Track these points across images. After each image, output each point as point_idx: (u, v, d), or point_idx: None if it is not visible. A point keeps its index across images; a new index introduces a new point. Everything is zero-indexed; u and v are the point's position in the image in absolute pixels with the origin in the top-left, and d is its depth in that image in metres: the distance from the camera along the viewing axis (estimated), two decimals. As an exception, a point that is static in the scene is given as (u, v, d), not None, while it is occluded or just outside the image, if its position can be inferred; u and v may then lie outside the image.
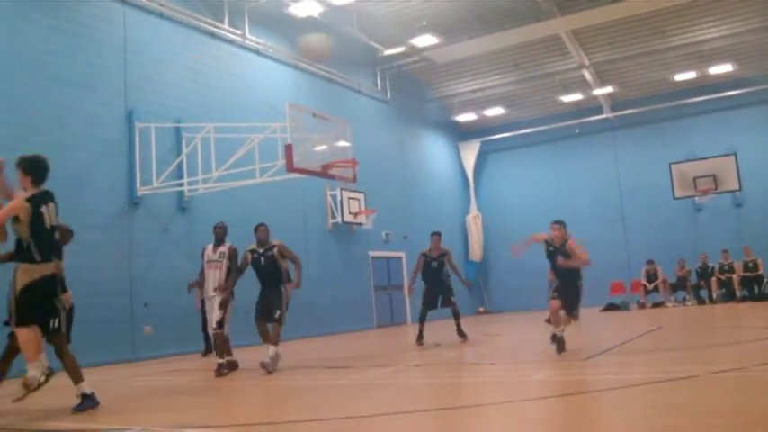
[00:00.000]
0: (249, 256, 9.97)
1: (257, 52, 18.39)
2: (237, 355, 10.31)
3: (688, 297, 21.91)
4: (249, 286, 10.22)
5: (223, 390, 8.59)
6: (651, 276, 21.94)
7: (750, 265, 21.00)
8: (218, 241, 10.25)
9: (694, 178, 22.58)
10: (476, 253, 27.37)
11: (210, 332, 10.41)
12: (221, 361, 9.73)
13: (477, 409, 5.85)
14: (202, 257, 10.38)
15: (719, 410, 5.04)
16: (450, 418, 5.50)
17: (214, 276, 10.13)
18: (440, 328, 14.35)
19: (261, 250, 9.89)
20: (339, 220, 19.88)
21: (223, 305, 9.86)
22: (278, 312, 9.66)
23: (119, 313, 13.50)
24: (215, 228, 10.38)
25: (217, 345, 9.98)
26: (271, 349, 9.50)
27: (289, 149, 12.70)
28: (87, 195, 13.38)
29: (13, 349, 7.79)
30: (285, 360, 11.17)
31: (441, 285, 12.72)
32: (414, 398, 6.89)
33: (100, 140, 13.89)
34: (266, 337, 9.67)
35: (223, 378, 9.38)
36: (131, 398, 8.25)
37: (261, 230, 10.00)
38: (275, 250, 9.85)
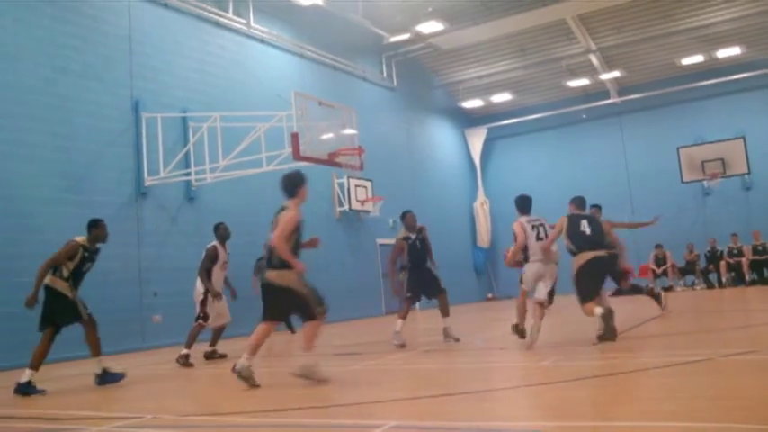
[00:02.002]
0: (404, 243, 10.17)
1: (262, 41, 18.34)
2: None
3: (697, 281, 21.84)
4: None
5: (232, 378, 8.60)
6: (660, 261, 21.89)
7: (759, 248, 20.92)
8: (225, 240, 10.37)
9: (702, 162, 22.44)
10: (483, 239, 27.36)
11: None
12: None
13: (488, 394, 5.85)
14: (216, 257, 10.16)
15: (734, 393, 5.02)
16: (462, 403, 5.49)
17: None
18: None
19: (413, 236, 10.19)
20: (346, 207, 19.88)
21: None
22: (442, 282, 10.18)
23: (128, 302, 13.57)
24: (222, 228, 10.36)
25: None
26: (447, 320, 10.08)
27: (295, 138, 12.68)
28: (95, 186, 13.42)
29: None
30: (294, 347, 11.19)
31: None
32: (424, 383, 6.90)
33: (106, 131, 13.90)
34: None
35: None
36: (141, 386, 8.28)
37: (410, 217, 10.32)
38: (425, 232, 10.27)
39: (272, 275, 6.84)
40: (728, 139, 22.46)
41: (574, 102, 26.43)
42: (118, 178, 13.96)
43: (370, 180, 20.35)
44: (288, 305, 6.95)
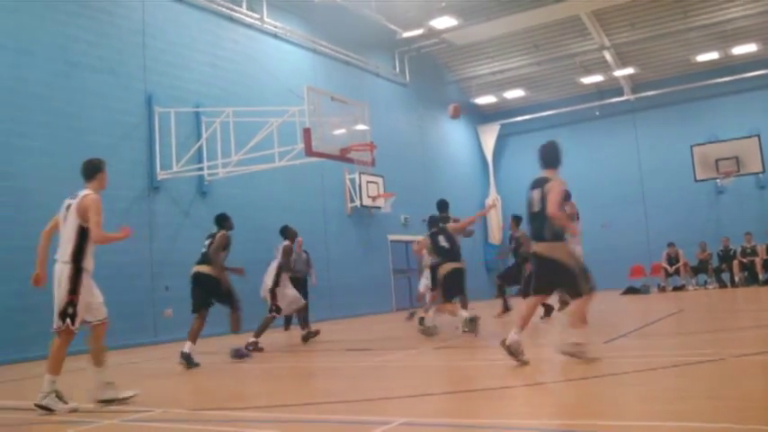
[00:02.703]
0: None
1: (275, 36, 18.36)
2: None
3: (709, 281, 21.69)
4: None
5: (241, 372, 8.64)
6: (672, 259, 21.75)
7: (773, 248, 20.74)
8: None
9: (716, 160, 22.25)
10: (495, 236, 27.31)
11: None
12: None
13: (498, 392, 5.84)
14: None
15: (746, 394, 4.99)
16: (471, 400, 5.49)
17: None
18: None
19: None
20: (358, 203, 19.88)
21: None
22: None
23: (140, 297, 13.63)
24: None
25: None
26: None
27: (307, 133, 12.67)
28: (108, 180, 13.44)
29: None
30: (305, 343, 11.21)
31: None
32: (434, 380, 6.90)
33: (120, 125, 13.96)
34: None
35: (246, 360, 9.46)
36: (152, 380, 8.33)
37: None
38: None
39: (542, 247, 6.88)
40: (743, 138, 22.27)
41: (587, 98, 26.30)
42: (131, 172, 14.02)
43: (382, 176, 20.34)
44: (555, 278, 6.91)
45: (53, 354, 6.04)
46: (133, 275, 13.56)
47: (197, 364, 8.81)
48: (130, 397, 6.24)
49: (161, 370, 9.48)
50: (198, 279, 9.46)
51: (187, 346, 8.95)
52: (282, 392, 6.79)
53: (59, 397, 5.94)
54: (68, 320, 6.05)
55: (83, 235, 6.32)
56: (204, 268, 9.44)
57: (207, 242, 9.68)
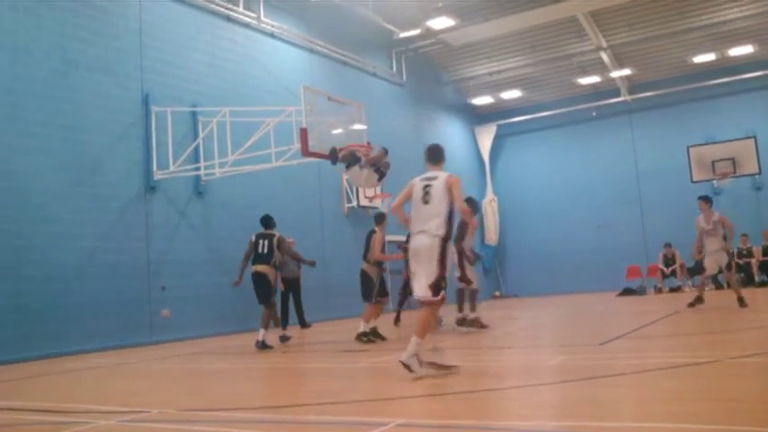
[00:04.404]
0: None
1: (272, 35, 18.35)
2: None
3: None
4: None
5: (237, 373, 8.64)
6: (668, 260, 21.80)
7: (769, 249, 20.80)
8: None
9: (713, 161, 22.27)
10: (491, 237, 27.33)
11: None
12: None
13: (494, 393, 5.84)
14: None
15: (741, 395, 4.99)
16: (468, 401, 5.49)
17: None
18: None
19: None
20: (354, 203, 19.87)
21: None
22: None
23: (136, 296, 13.61)
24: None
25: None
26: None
27: (304, 133, 12.66)
28: (104, 179, 13.46)
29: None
30: (301, 343, 11.22)
31: None
32: (431, 381, 6.89)
33: (116, 124, 13.94)
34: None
35: (243, 360, 9.46)
36: (148, 380, 8.32)
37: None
38: None
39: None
40: (739, 139, 22.29)
41: (584, 99, 26.32)
42: (127, 171, 14.00)
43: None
44: None
45: (424, 320, 6.48)
46: (129, 275, 13.54)
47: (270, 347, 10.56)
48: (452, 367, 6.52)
49: (157, 370, 9.47)
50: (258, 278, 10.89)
51: (261, 334, 10.58)
52: (278, 393, 6.79)
53: (419, 361, 6.33)
54: (443, 292, 6.49)
55: (450, 211, 6.67)
56: (263, 268, 10.86)
57: (263, 242, 10.98)
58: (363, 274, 10.98)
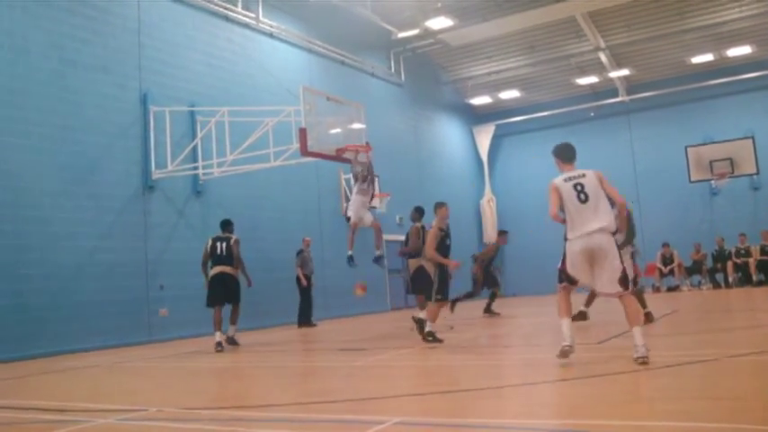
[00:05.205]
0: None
1: (271, 35, 18.34)
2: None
3: (703, 281, 21.75)
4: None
5: (236, 372, 8.63)
6: (666, 260, 21.81)
7: (767, 248, 20.80)
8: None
9: (711, 162, 22.33)
10: (490, 236, 27.28)
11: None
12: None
13: (493, 391, 5.84)
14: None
15: (740, 394, 5.00)
16: (466, 399, 5.49)
17: None
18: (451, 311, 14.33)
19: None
20: (353, 203, 19.84)
21: None
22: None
23: (134, 296, 13.60)
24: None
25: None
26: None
27: (303, 133, 12.65)
28: (102, 179, 13.45)
29: None
30: (300, 342, 11.22)
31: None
32: (429, 380, 6.90)
33: (115, 124, 13.92)
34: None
35: (241, 359, 9.45)
36: (147, 379, 8.31)
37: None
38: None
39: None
40: (737, 139, 22.34)
41: (582, 99, 26.33)
42: (125, 171, 13.98)
43: (377, 176, 20.30)
44: None
45: (632, 309, 6.57)
46: (128, 274, 13.53)
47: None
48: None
49: (156, 369, 9.46)
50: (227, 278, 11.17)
51: None
52: (277, 392, 6.78)
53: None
54: (631, 284, 6.66)
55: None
56: (227, 269, 11.16)
57: (221, 245, 11.24)
58: (421, 270, 10.48)
